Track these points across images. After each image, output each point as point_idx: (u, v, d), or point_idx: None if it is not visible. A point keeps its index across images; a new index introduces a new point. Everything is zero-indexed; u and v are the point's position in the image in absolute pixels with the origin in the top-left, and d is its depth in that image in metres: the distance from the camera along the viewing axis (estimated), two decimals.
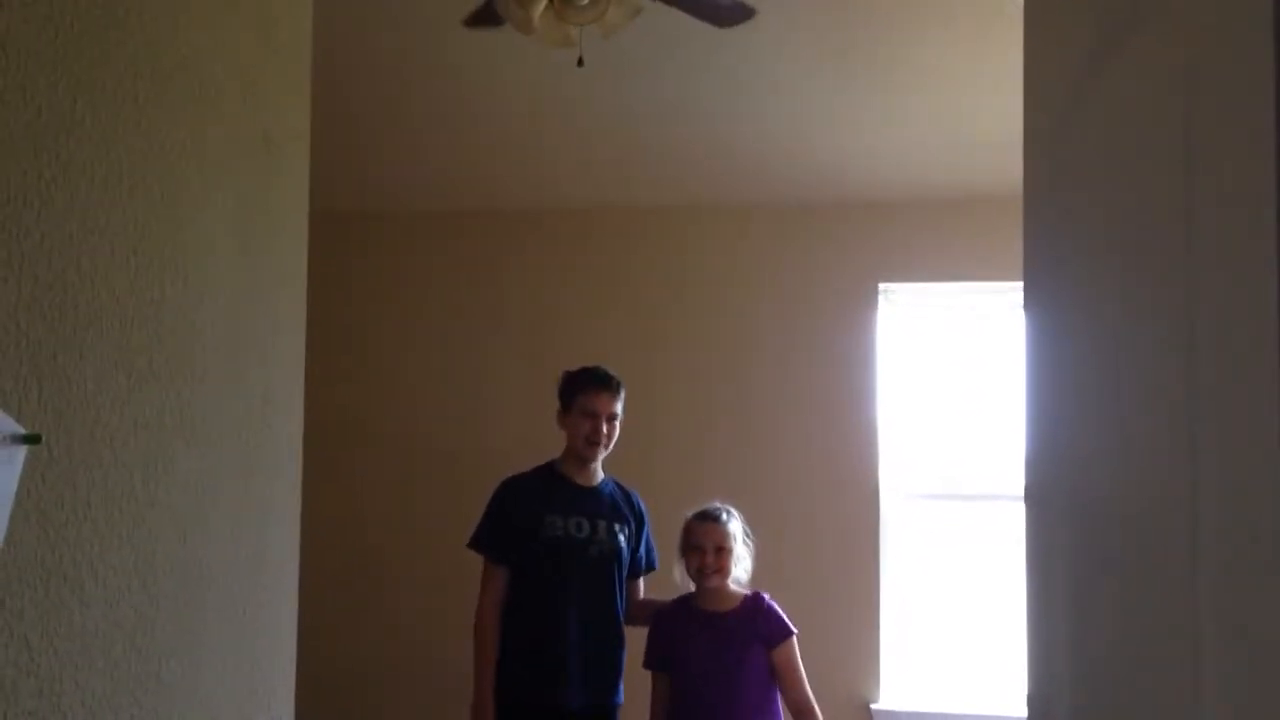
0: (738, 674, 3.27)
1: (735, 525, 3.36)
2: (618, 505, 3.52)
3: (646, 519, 3.60)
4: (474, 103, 4.60)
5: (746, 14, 3.47)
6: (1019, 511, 1.81)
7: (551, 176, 4.98)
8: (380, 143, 4.80)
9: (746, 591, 3.38)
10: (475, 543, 3.49)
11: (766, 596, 3.37)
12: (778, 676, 3.30)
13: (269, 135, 1.85)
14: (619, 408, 3.49)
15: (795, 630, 3.33)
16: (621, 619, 3.48)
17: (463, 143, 4.81)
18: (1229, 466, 1.25)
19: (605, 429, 3.45)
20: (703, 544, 3.31)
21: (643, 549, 3.57)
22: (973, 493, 4.79)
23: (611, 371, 3.52)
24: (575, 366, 3.58)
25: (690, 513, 3.42)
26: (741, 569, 3.36)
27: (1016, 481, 1.83)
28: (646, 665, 3.40)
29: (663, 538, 3.59)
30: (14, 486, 1.29)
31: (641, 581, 3.60)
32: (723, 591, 3.34)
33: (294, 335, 1.99)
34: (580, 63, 3.49)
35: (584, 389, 3.48)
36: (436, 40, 4.26)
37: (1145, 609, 1.43)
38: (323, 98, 2.08)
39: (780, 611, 3.35)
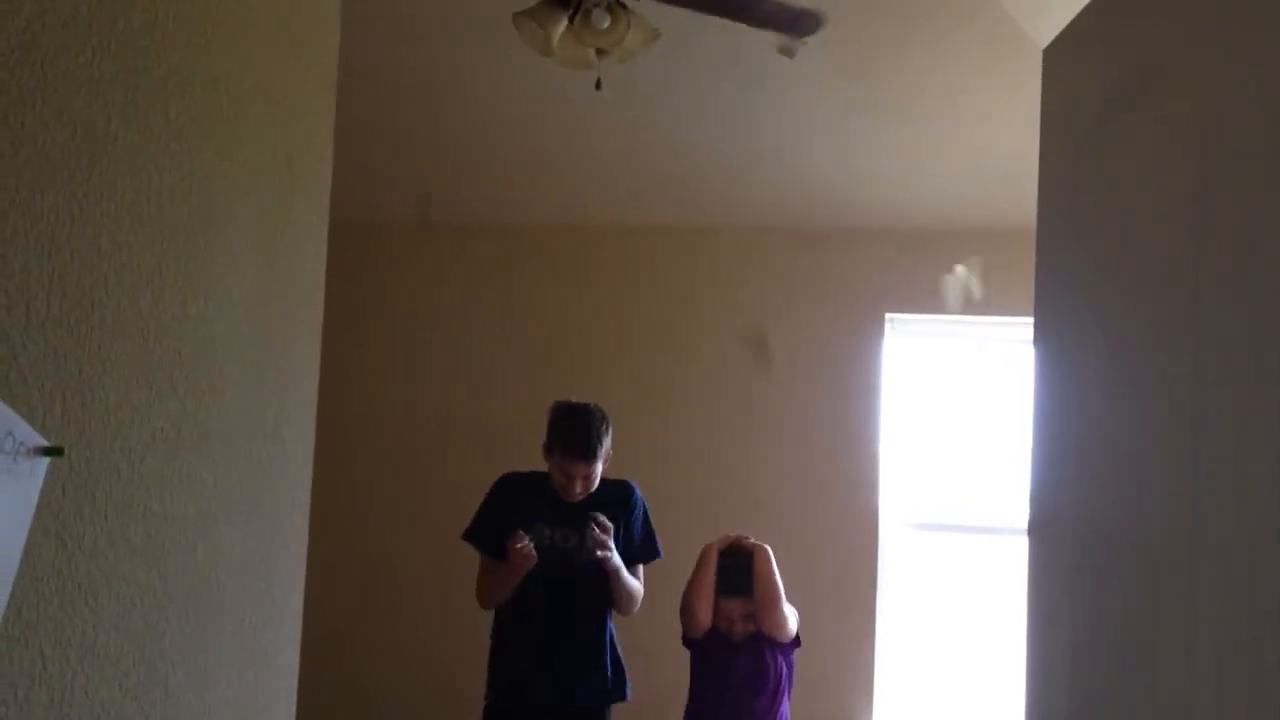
0: (757, 693, 3.37)
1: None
2: (606, 511, 3.48)
3: (639, 508, 3.56)
4: (490, 119, 4.63)
5: (815, 23, 3.39)
6: (1020, 545, 1.83)
7: (563, 194, 5.01)
8: (395, 155, 4.83)
9: None
10: (469, 534, 3.54)
11: None
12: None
13: (293, 155, 1.87)
14: (596, 468, 3.40)
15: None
16: (608, 627, 3.50)
17: (477, 158, 4.84)
18: (1233, 507, 1.27)
19: (579, 486, 3.42)
20: (731, 614, 3.40)
21: (637, 538, 3.53)
22: (973, 525, 4.80)
23: (593, 429, 3.40)
24: (566, 403, 3.49)
25: (716, 559, 3.44)
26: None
27: (1018, 516, 1.85)
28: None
29: (667, 561, 3.59)
30: (35, 498, 1.31)
31: (641, 569, 3.55)
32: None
33: (309, 352, 2.01)
34: (599, 86, 3.52)
35: (561, 449, 3.42)
36: (454, 56, 4.30)
37: (1146, 644, 1.44)
38: (339, 108, 2.10)
39: None
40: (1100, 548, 1.58)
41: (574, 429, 3.40)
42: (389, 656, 4.94)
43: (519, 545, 3.31)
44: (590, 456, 3.39)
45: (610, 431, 3.45)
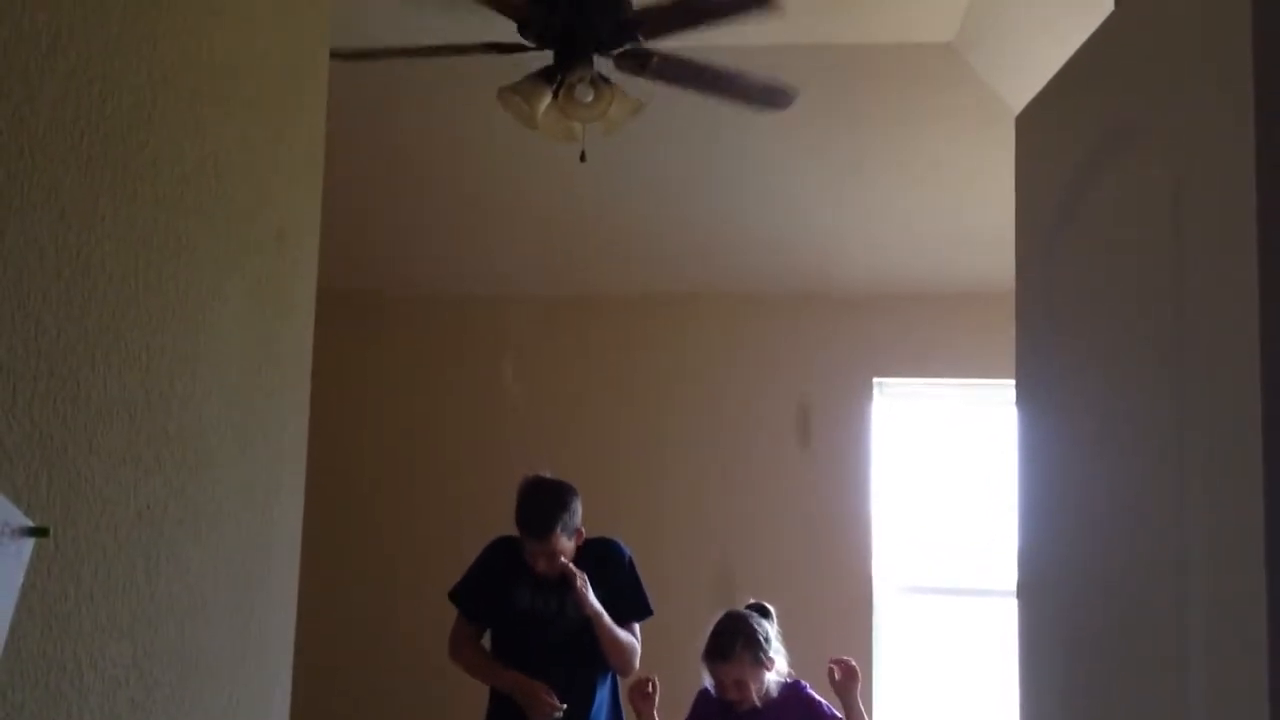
0: None
1: (749, 650, 3.26)
2: (587, 572, 3.47)
3: (623, 565, 3.55)
4: (476, 189, 4.67)
5: (786, 97, 3.45)
6: (1011, 607, 1.83)
7: (552, 265, 5.05)
8: (384, 224, 4.87)
9: (785, 680, 3.32)
10: (454, 595, 3.57)
11: (806, 687, 3.33)
12: None
13: (281, 232, 1.89)
14: (558, 545, 3.39)
15: (840, 716, 3.30)
16: (604, 689, 3.46)
17: (464, 230, 4.88)
18: (1218, 565, 1.27)
19: (542, 563, 3.41)
20: (722, 681, 3.27)
21: (622, 595, 3.50)
22: (965, 587, 4.78)
23: (546, 511, 3.39)
24: (529, 481, 3.48)
25: (707, 632, 3.32)
26: (775, 671, 3.30)
27: (1008, 577, 1.85)
28: None
29: (665, 624, 3.56)
30: (20, 579, 1.31)
31: (636, 627, 3.53)
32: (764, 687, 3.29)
33: (298, 427, 2.01)
34: (583, 158, 3.58)
35: (519, 527, 3.44)
36: (441, 129, 4.35)
37: (1136, 705, 1.44)
38: (327, 180, 2.12)
39: (822, 701, 3.31)
40: (1088, 608, 1.58)
41: (531, 510, 3.42)
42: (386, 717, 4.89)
43: (549, 703, 3.32)
44: (544, 536, 3.37)
45: (574, 508, 3.43)
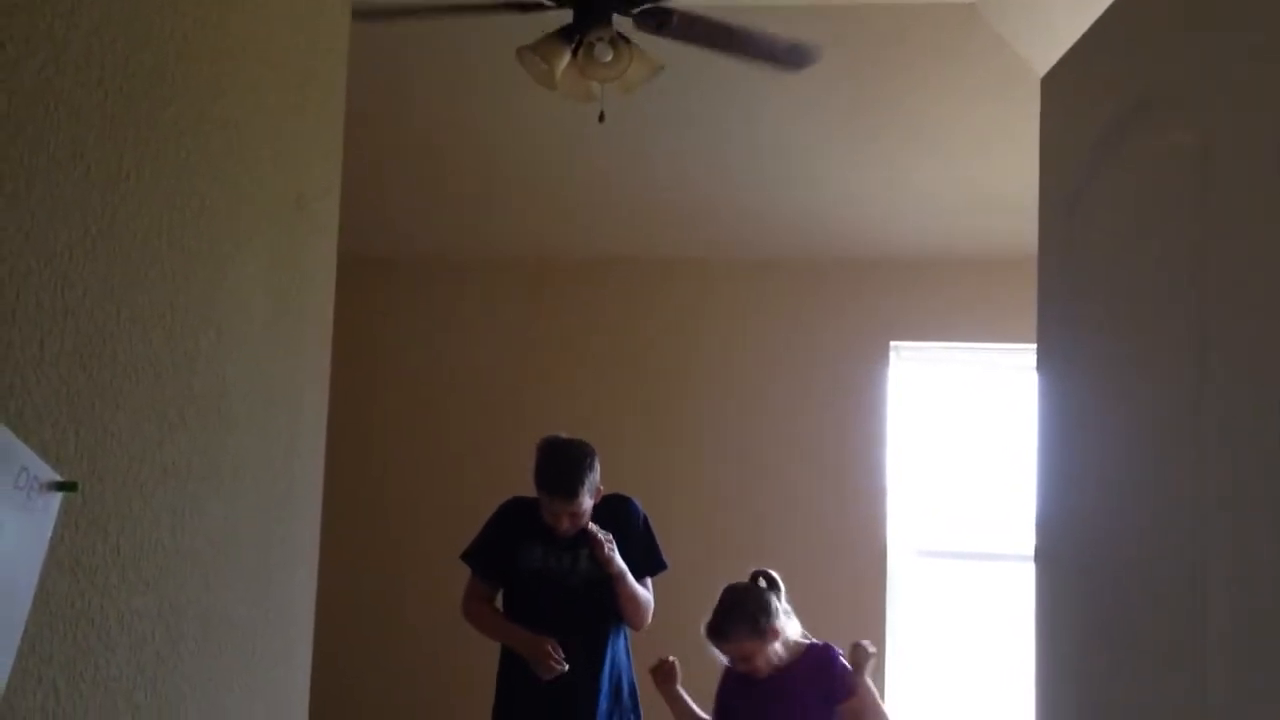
0: None
1: (745, 625, 3.18)
2: (604, 528, 3.49)
3: (638, 522, 3.57)
4: (494, 152, 4.66)
5: (809, 57, 3.40)
6: (1028, 572, 1.83)
7: (569, 227, 5.04)
8: (400, 189, 4.86)
9: (811, 642, 3.30)
10: (467, 556, 3.60)
11: (835, 651, 3.28)
12: None
13: (301, 194, 1.89)
14: (583, 504, 3.40)
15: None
16: (615, 647, 3.50)
17: (480, 191, 4.87)
18: (1238, 530, 1.27)
19: (566, 522, 3.43)
20: (730, 656, 3.24)
21: (638, 551, 3.53)
22: (981, 552, 4.79)
23: (574, 470, 3.39)
24: (551, 441, 3.49)
25: (707, 619, 3.25)
26: (789, 633, 3.25)
27: (1026, 542, 1.85)
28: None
29: (678, 589, 3.58)
30: (49, 532, 1.32)
31: (649, 582, 3.57)
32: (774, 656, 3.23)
33: (319, 387, 2.03)
34: (601, 118, 3.56)
35: (543, 488, 3.44)
36: (460, 89, 4.34)
37: (1154, 672, 1.44)
38: (347, 145, 2.12)
39: (848, 668, 3.26)
40: (1107, 574, 1.58)
41: (556, 470, 3.42)
42: (400, 682, 4.93)
43: (553, 658, 3.34)
44: (571, 496, 3.39)
45: (596, 466, 3.45)
